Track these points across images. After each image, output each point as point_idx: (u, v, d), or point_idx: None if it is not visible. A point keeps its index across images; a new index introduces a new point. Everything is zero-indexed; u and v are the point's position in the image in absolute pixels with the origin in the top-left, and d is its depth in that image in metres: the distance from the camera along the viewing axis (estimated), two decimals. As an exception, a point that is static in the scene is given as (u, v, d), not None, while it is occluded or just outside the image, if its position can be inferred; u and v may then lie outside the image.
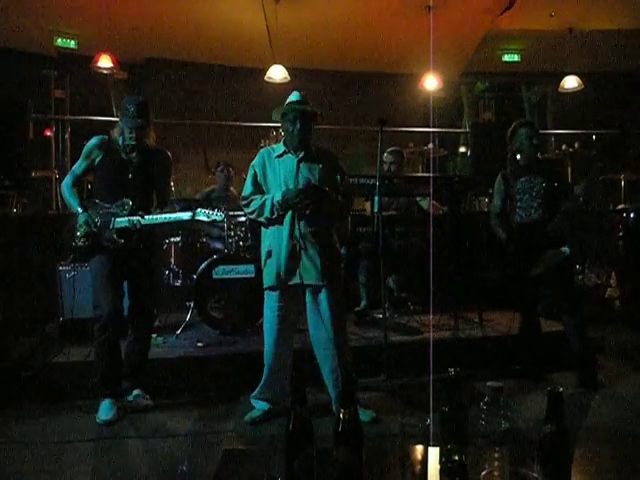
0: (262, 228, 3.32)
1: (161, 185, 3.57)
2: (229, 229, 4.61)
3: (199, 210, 3.36)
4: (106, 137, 3.46)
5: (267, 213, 3.15)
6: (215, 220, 3.38)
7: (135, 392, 3.48)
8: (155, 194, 3.54)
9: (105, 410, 3.26)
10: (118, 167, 3.40)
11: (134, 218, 3.32)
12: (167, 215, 3.41)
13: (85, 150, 3.42)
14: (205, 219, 3.36)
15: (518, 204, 3.91)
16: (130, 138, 3.36)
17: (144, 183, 3.44)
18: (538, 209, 3.82)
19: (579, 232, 3.95)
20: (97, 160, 3.40)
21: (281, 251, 3.15)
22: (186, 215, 3.38)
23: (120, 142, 3.41)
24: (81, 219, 3.32)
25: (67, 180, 3.46)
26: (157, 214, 3.39)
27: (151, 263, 3.62)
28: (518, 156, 3.96)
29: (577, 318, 3.81)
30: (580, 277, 5.51)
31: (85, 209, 3.36)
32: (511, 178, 3.98)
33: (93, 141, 3.43)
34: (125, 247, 3.34)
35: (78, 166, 3.45)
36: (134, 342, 3.52)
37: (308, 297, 3.19)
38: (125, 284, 3.48)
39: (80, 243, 3.34)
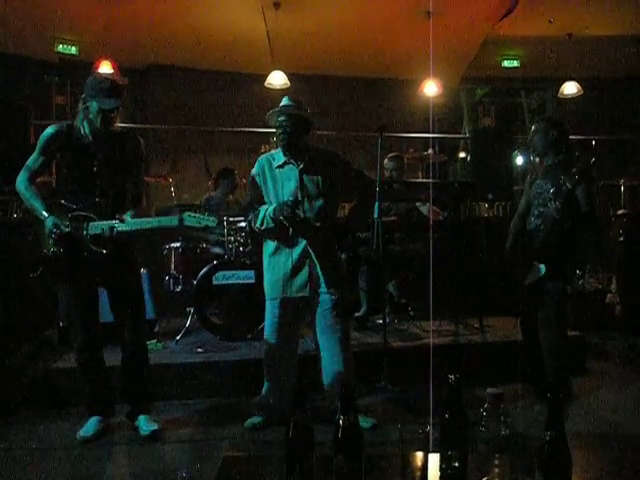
0: (264, 241, 3.27)
1: (133, 175, 3.07)
2: (229, 234, 4.57)
3: (187, 214, 2.90)
4: (64, 124, 2.98)
5: (257, 223, 3.13)
6: (207, 226, 2.93)
7: (141, 418, 3.13)
8: (127, 187, 3.06)
9: (88, 427, 3.06)
10: (81, 159, 2.93)
11: (111, 223, 2.87)
12: (150, 219, 3.04)
13: (40, 141, 2.94)
14: (195, 225, 2.90)
15: (531, 209, 3.66)
16: (100, 122, 2.89)
17: (112, 175, 2.97)
18: (538, 217, 3.56)
19: (555, 250, 3.48)
20: (57, 153, 2.95)
21: (285, 265, 3.12)
22: (173, 220, 2.93)
23: (82, 130, 2.93)
24: (49, 223, 2.83)
25: (22, 177, 2.94)
26: (138, 218, 2.96)
27: (132, 269, 3.17)
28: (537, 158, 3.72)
29: (550, 336, 3.48)
30: (580, 282, 5.46)
31: (50, 213, 2.87)
32: (534, 180, 3.70)
33: (49, 130, 2.93)
34: (103, 255, 2.90)
35: (33, 160, 2.95)
36: (127, 361, 3.13)
37: (312, 305, 3.16)
38: (105, 293, 3.13)
39: (51, 253, 2.88)
